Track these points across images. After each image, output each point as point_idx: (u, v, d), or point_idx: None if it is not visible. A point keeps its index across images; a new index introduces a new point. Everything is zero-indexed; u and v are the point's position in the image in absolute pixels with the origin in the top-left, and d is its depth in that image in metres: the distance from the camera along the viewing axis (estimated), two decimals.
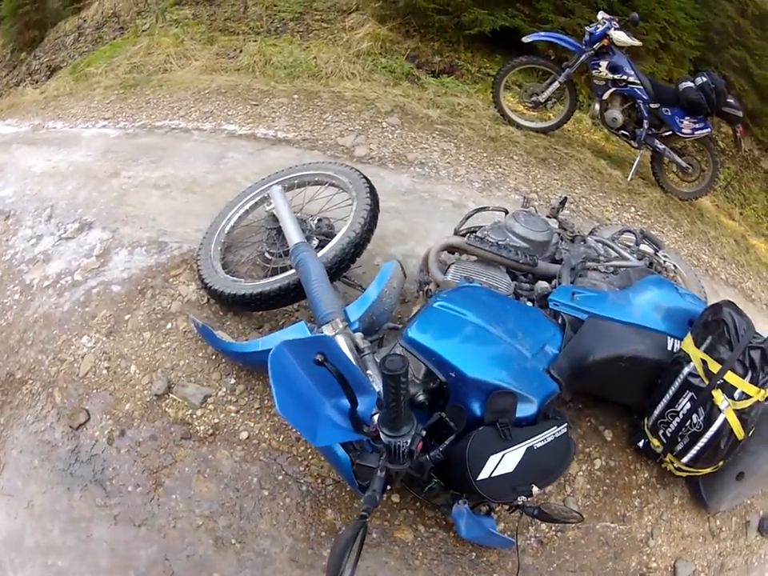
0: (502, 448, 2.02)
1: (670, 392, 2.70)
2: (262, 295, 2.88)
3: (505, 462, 2.01)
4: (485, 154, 5.23)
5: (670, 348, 2.69)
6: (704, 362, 2.51)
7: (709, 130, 5.69)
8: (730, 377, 2.44)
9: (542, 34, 5.81)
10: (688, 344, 2.68)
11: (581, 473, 2.91)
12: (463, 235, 3.15)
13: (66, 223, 3.81)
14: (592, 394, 3.01)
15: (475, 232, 3.16)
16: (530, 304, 2.84)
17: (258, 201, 3.50)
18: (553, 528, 2.71)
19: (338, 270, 2.95)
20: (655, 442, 2.87)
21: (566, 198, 3.57)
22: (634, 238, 3.64)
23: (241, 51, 6.85)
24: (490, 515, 2.47)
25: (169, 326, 3.06)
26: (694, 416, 2.61)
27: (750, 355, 2.42)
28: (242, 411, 2.78)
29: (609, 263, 3.20)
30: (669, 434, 2.75)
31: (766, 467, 2.77)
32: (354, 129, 5.14)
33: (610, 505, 2.87)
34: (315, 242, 3.12)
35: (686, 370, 2.58)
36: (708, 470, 2.71)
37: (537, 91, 5.92)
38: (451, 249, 3.06)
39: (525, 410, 2.18)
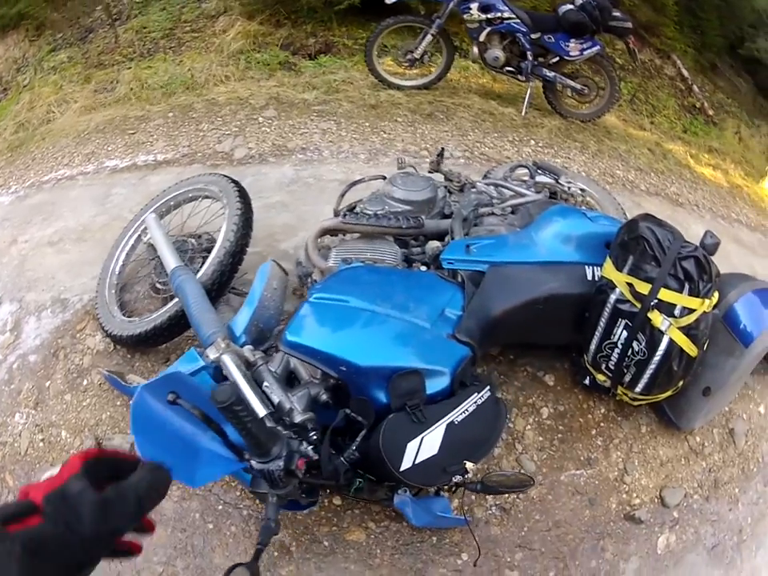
0: (418, 432, 1.83)
1: (601, 324, 2.43)
2: (156, 329, 2.73)
3: (426, 445, 1.83)
4: (367, 124, 5.01)
5: (590, 277, 2.50)
6: (630, 285, 2.31)
7: (598, 47, 5.43)
8: (665, 294, 2.23)
9: None
10: (609, 269, 2.40)
11: (528, 426, 2.75)
12: (343, 214, 2.85)
13: None
14: (517, 343, 2.85)
15: (355, 207, 2.89)
16: (424, 268, 2.57)
17: (139, 234, 3.29)
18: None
19: (221, 284, 2.77)
20: (601, 377, 2.62)
21: (443, 148, 3.25)
22: (528, 172, 3.22)
23: (117, 82, 6.44)
24: (439, 495, 2.33)
25: (85, 382, 2.93)
26: (635, 344, 2.35)
27: (683, 266, 2.21)
28: None
29: (504, 204, 2.86)
30: (612, 367, 2.49)
31: (732, 377, 2.57)
32: (230, 132, 4.89)
33: (569, 452, 2.71)
34: (200, 261, 2.94)
35: (613, 297, 2.36)
36: (668, 394, 2.53)
37: (410, 48, 5.59)
38: (329, 232, 2.79)
39: (436, 384, 1.98)
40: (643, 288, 2.25)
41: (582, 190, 3.33)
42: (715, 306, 2.36)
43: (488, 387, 2.04)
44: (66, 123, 5.77)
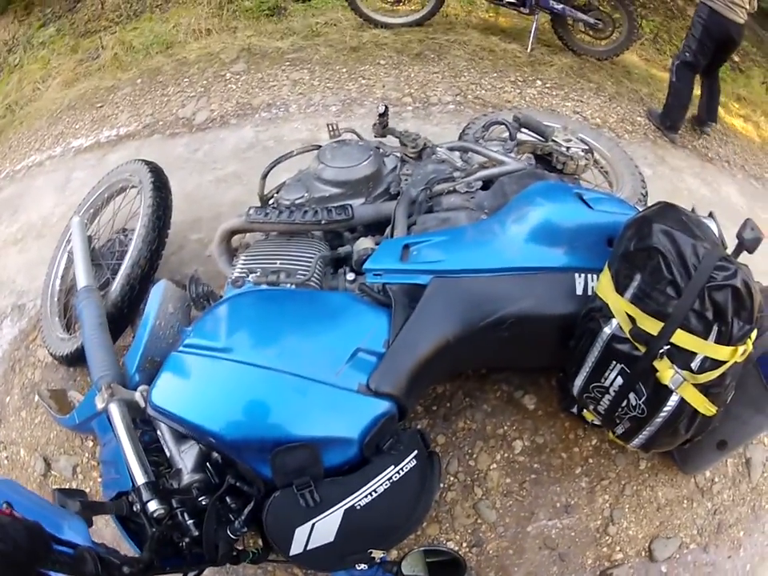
0: (308, 517, 1.41)
1: (589, 361, 1.70)
2: (79, 351, 2.34)
3: (318, 532, 1.42)
4: (344, 70, 4.40)
5: (580, 291, 1.78)
6: (632, 318, 1.57)
7: None
8: (683, 338, 1.51)
9: None
10: (605, 287, 1.65)
11: (494, 465, 2.23)
12: (268, 200, 2.31)
13: None
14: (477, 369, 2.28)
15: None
16: (351, 277, 1.91)
17: None
18: (463, 545, 2.13)
19: (131, 299, 2.36)
20: (589, 416, 2.00)
21: (386, 106, 2.46)
22: (508, 131, 2.35)
23: (102, 48, 5.86)
24: None
25: (36, 398, 2.65)
26: (632, 396, 1.64)
27: (713, 299, 1.47)
28: None
29: (470, 177, 2.09)
30: (602, 412, 1.79)
31: (754, 434, 2.04)
32: (195, 93, 4.32)
33: (543, 497, 2.21)
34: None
35: (607, 331, 1.63)
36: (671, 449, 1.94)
37: None
38: (235, 233, 2.17)
39: (338, 454, 1.49)
40: (651, 326, 1.52)
41: (585, 150, 2.47)
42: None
43: (414, 454, 1.51)
44: (44, 102, 5.27)
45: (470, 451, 2.21)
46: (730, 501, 2.33)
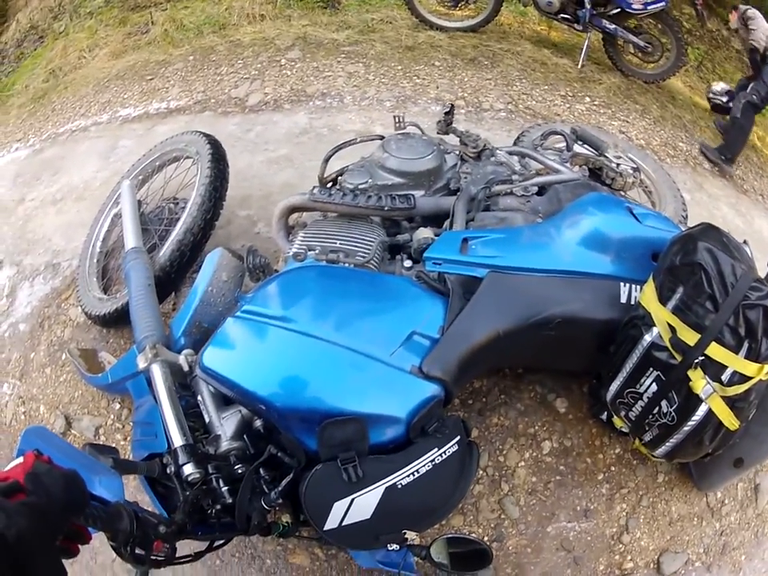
0: (349, 492, 1.42)
1: (627, 367, 1.76)
2: (118, 312, 2.40)
3: (356, 508, 1.42)
4: (399, 67, 4.41)
5: (624, 299, 1.83)
6: (672, 327, 1.63)
7: (663, 3, 4.64)
8: (716, 351, 1.57)
9: None
10: (649, 297, 1.71)
11: (523, 463, 2.23)
12: (332, 183, 2.35)
13: None
14: (516, 367, 2.28)
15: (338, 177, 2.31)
16: (409, 264, 1.96)
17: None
18: (485, 539, 2.11)
19: (180, 266, 2.41)
20: (618, 422, 2.01)
21: (452, 105, 2.50)
22: (565, 141, 2.43)
23: (153, 23, 5.86)
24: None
25: (63, 356, 2.67)
26: (664, 403, 1.70)
27: (747, 316, 1.53)
28: (128, 438, 2.40)
29: (528, 181, 2.15)
30: (633, 419, 1.84)
31: None
32: (249, 76, 4.36)
33: (565, 499, 2.21)
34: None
35: (647, 338, 1.69)
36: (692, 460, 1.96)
37: None
38: (296, 210, 2.21)
39: (385, 432, 1.50)
40: (689, 337, 1.59)
41: (633, 169, 2.53)
42: None
43: (457, 439, 1.53)
44: (91, 70, 5.30)
45: (500, 447, 2.23)
46: (736, 524, 2.35)
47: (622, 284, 1.83)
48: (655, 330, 1.66)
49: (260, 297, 1.66)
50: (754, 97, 4.48)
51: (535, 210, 2.03)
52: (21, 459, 0.87)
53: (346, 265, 1.87)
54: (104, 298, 2.54)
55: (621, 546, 2.18)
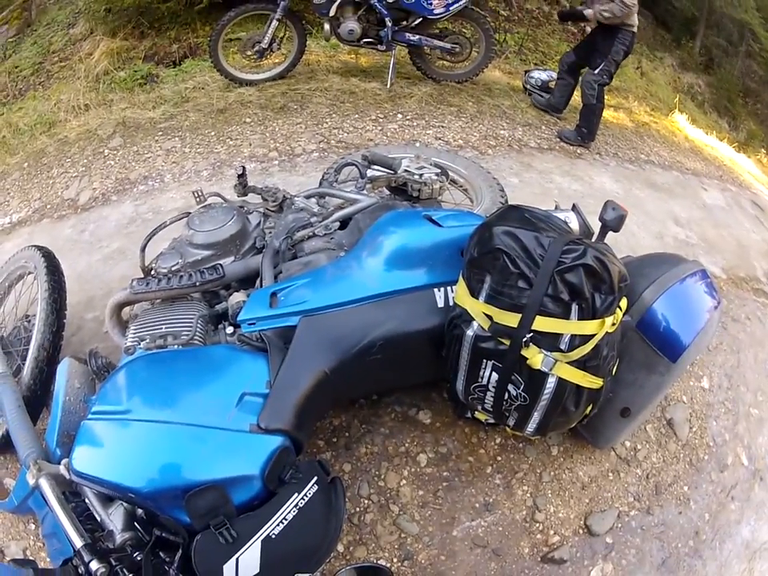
0: (231, 553, 1.47)
1: (462, 365, 1.85)
2: (5, 438, 2.32)
3: (244, 565, 1.47)
4: (213, 133, 4.50)
5: (441, 303, 1.95)
6: (489, 316, 1.71)
7: (465, 0, 4.79)
8: (543, 323, 1.63)
9: None
10: (462, 295, 1.81)
11: (404, 481, 2.27)
12: (150, 271, 2.38)
13: None
14: (362, 396, 2.35)
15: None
16: (231, 330, 2.02)
17: None
18: (394, 560, 2.13)
19: (43, 381, 2.37)
20: (481, 415, 2.10)
21: (244, 167, 2.57)
22: (358, 170, 2.57)
23: None
24: None
25: None
26: (511, 387, 1.78)
27: (567, 280, 1.59)
28: None
29: (327, 220, 2.28)
30: (491, 409, 1.91)
31: (657, 396, 2.09)
32: (77, 173, 4.38)
33: (461, 500, 2.25)
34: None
35: (469, 333, 1.77)
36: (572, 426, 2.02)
37: (257, 39, 4.92)
38: (124, 306, 2.26)
39: (245, 491, 1.57)
40: (509, 319, 1.65)
41: (439, 174, 2.68)
42: (625, 313, 1.80)
43: (314, 480, 1.60)
44: None
45: (377, 473, 2.27)
46: (660, 462, 2.44)
47: (435, 290, 1.95)
48: (475, 323, 1.74)
49: (103, 396, 1.72)
50: (605, 77, 4.69)
51: (340, 245, 2.15)
52: None
53: (175, 347, 1.93)
54: None
55: (537, 524, 2.23)
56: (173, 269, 2.18)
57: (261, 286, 2.04)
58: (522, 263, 1.62)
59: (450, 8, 4.77)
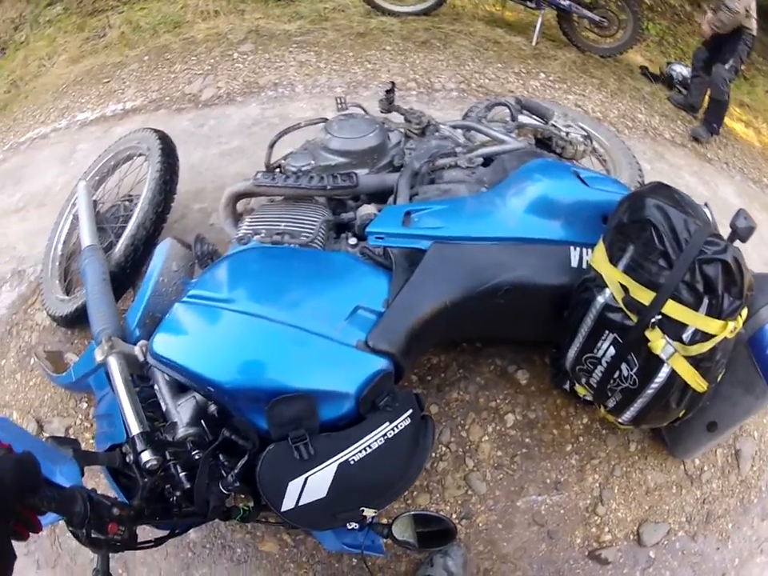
0: (302, 470, 1.41)
1: (582, 331, 1.76)
2: (78, 311, 2.40)
3: (311, 486, 1.41)
4: (351, 54, 4.44)
5: (575, 263, 1.84)
6: (624, 287, 1.62)
7: None
8: (674, 309, 1.55)
9: None
10: (599, 259, 1.71)
11: (486, 437, 2.22)
12: (273, 169, 2.30)
13: None
14: (467, 338, 2.26)
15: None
16: (354, 241, 1.93)
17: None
18: (453, 516, 2.10)
19: (135, 260, 2.42)
20: (581, 390, 2.00)
21: (393, 83, 2.51)
22: (510, 112, 2.44)
23: (109, 27, 5.86)
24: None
25: (32, 360, 2.67)
26: (624, 366, 1.69)
27: (704, 272, 1.51)
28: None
29: (472, 153, 2.15)
30: (594, 385, 1.83)
31: (743, 416, 1.96)
32: (202, 71, 4.35)
33: (534, 471, 2.20)
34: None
35: (600, 300, 1.69)
36: (662, 425, 1.94)
37: None
38: (242, 197, 2.21)
39: (335, 408, 1.50)
40: (643, 296, 1.58)
41: (584, 137, 2.54)
42: (743, 324, 1.68)
43: (409, 412, 1.52)
44: (50, 78, 5.27)
45: (462, 422, 2.22)
46: (719, 491, 2.33)
47: (572, 248, 1.84)
48: (607, 291, 1.65)
49: (205, 281, 1.67)
50: (733, 72, 4.65)
51: (480, 181, 2.03)
52: None
53: (291, 245, 1.86)
54: (66, 299, 2.55)
55: (596, 517, 2.17)
56: (302, 168, 2.12)
57: (394, 203, 1.95)
58: (668, 241, 1.53)
59: None
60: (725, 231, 1.75)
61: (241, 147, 3.47)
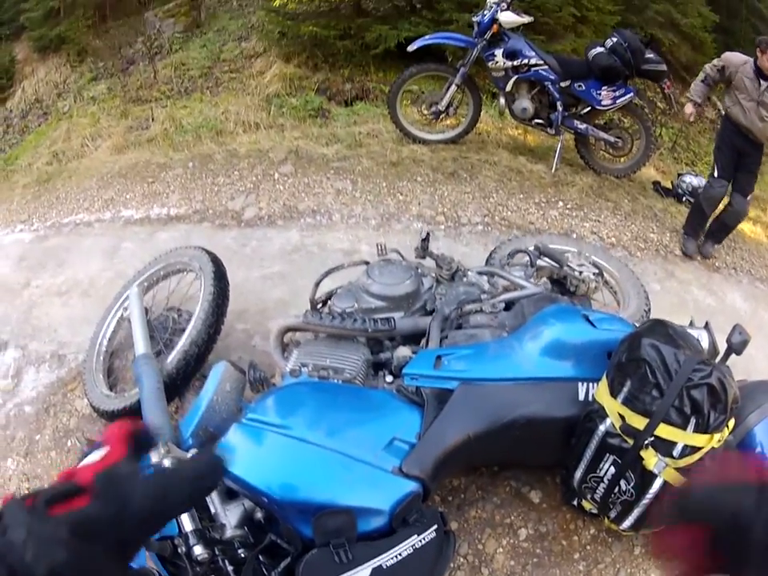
0: (340, 572, 1.62)
1: (587, 455, 2.03)
2: (126, 411, 2.60)
3: None
4: (384, 184, 4.71)
5: (582, 397, 2.11)
6: (622, 416, 1.90)
7: (631, 94, 5.00)
8: (664, 430, 1.80)
9: (427, 37, 5.05)
10: (602, 392, 1.99)
11: (501, 549, 2.37)
12: (322, 303, 2.68)
13: None
14: (491, 465, 2.50)
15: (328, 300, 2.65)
16: (390, 379, 2.26)
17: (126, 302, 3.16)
18: None
19: (186, 374, 2.67)
20: (587, 504, 2.24)
21: (429, 233, 2.84)
22: (529, 258, 2.80)
23: (153, 119, 6.35)
24: None
25: (69, 443, 2.86)
26: (622, 482, 1.95)
27: (691, 396, 1.76)
28: None
29: (495, 299, 2.48)
30: (598, 500, 2.09)
31: None
32: (244, 188, 4.70)
33: None
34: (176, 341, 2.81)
35: (602, 428, 1.95)
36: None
37: (435, 100, 5.20)
38: (291, 331, 2.53)
39: (371, 522, 1.75)
40: (638, 422, 1.84)
41: (596, 274, 2.87)
42: (731, 433, 1.93)
43: (434, 527, 1.77)
44: (94, 162, 5.66)
45: (479, 537, 2.38)
46: None
47: (579, 384, 2.11)
48: (608, 420, 1.92)
49: (262, 406, 1.96)
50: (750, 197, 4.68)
51: (503, 325, 2.35)
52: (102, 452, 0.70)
53: (336, 380, 2.18)
54: (111, 395, 2.75)
55: None
56: (347, 310, 2.44)
57: (426, 346, 2.27)
58: (660, 374, 1.79)
59: (617, 101, 4.96)
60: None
61: (282, 273, 3.72)
